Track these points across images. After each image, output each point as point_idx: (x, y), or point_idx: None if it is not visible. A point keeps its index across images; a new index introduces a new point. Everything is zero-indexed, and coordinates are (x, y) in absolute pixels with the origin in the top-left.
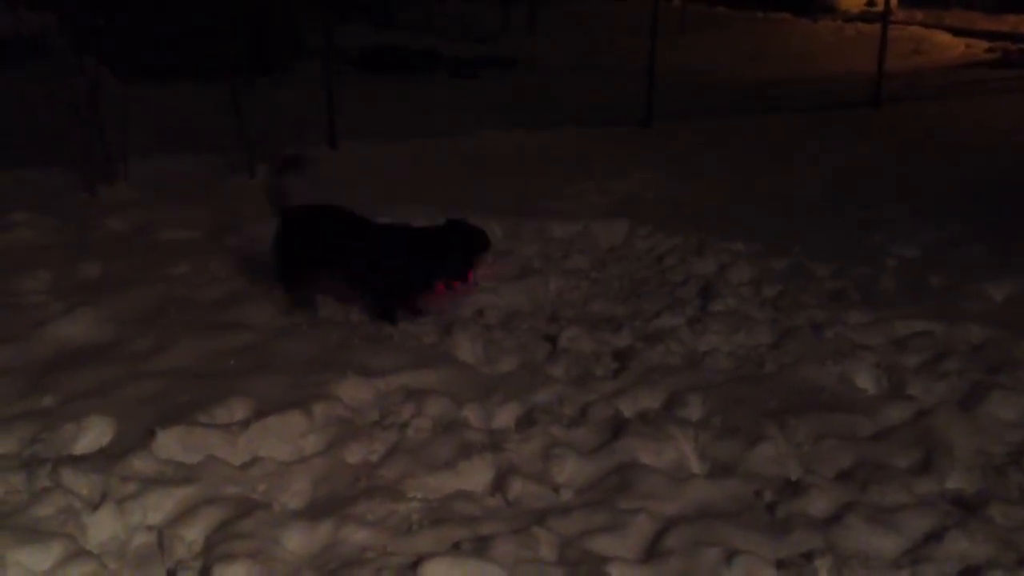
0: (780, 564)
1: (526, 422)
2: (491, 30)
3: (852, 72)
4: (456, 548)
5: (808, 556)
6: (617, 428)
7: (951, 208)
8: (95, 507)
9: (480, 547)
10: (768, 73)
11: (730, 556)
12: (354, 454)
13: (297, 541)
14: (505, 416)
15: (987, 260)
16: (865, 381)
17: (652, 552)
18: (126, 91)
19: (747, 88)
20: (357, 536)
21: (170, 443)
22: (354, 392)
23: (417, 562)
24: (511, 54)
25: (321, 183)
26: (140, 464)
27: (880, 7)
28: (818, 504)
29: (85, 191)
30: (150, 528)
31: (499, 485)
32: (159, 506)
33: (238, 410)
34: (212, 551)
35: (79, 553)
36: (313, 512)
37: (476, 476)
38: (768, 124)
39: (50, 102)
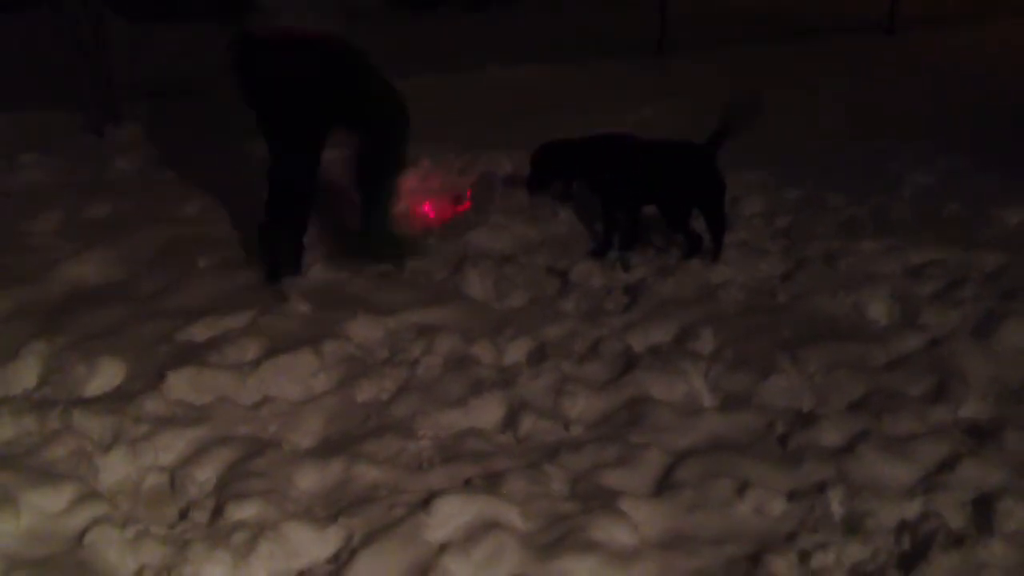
0: (792, 495)
1: (537, 358)
2: None
3: None
4: (467, 485)
5: (820, 487)
6: (628, 362)
7: (967, 137)
8: (107, 448)
9: (491, 483)
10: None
11: (742, 488)
12: (364, 392)
13: (309, 480)
14: (516, 352)
15: (1001, 188)
16: (878, 311)
17: (663, 485)
18: (132, 30)
19: (760, 12)
20: (368, 474)
21: (181, 384)
22: (364, 330)
23: (428, 499)
24: None
25: None
26: (151, 405)
27: None
28: (830, 435)
29: (92, 132)
30: (162, 469)
31: (510, 421)
32: (171, 447)
33: (248, 350)
34: (224, 491)
35: (91, 494)
36: (324, 451)
37: (487, 413)
38: (782, 52)
39: (55, 42)
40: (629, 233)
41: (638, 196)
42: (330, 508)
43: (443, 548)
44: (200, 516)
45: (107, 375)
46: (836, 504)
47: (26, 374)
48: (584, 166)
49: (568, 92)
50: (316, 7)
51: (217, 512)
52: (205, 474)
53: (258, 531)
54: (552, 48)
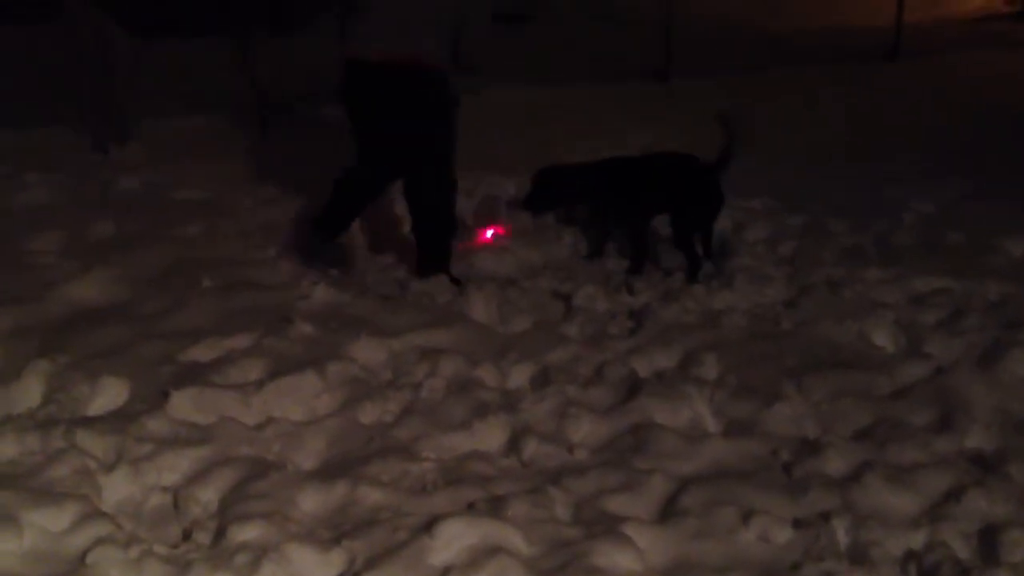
0: (797, 524)
1: (541, 382)
2: None
3: (871, 24)
4: (471, 508)
5: (825, 516)
6: (632, 387)
7: (969, 163)
8: (110, 468)
9: (495, 507)
10: (785, 24)
11: (746, 516)
12: (368, 414)
13: (312, 501)
14: (520, 376)
15: (1005, 216)
16: (883, 339)
17: (668, 512)
18: (139, 48)
19: (764, 39)
20: (371, 496)
21: (184, 404)
22: (368, 352)
23: (431, 522)
24: (528, 9)
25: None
26: (154, 425)
27: None
28: (835, 463)
29: (97, 150)
30: (165, 489)
31: (514, 445)
32: (174, 467)
33: (252, 371)
34: (227, 511)
35: (94, 514)
36: (327, 473)
37: (491, 436)
38: (785, 77)
39: (60, 59)
40: (638, 257)
41: (644, 211)
42: (333, 530)
43: (446, 572)
44: (203, 537)
45: (110, 394)
46: (841, 533)
47: (29, 393)
48: (586, 189)
49: (571, 114)
50: (409, 31)
51: (220, 533)
52: (208, 495)
53: (261, 553)
54: (555, 71)
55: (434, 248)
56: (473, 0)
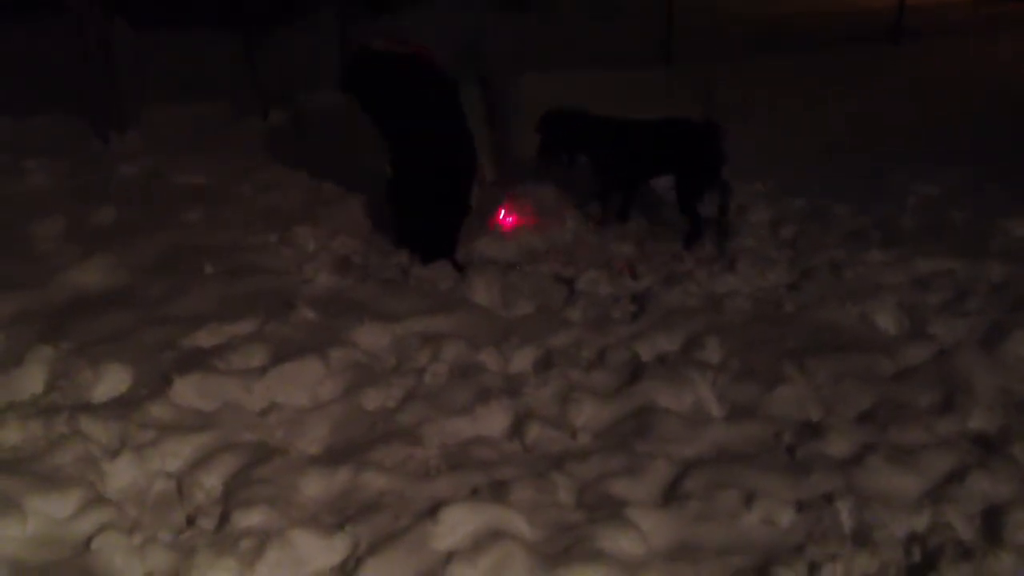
0: (800, 506)
1: (543, 366)
2: None
3: (873, 4)
4: (474, 493)
5: (828, 497)
6: (635, 371)
7: (973, 147)
8: (113, 454)
9: (498, 492)
10: (787, 7)
11: (749, 498)
12: (371, 400)
13: (315, 487)
14: (522, 360)
15: (1009, 198)
16: (885, 321)
17: (671, 495)
18: (139, 37)
19: (766, 24)
20: (375, 482)
21: (187, 390)
22: (371, 337)
23: (435, 507)
24: None
25: (332, 128)
26: (158, 411)
27: None
28: (838, 445)
29: (98, 138)
30: (169, 475)
31: (517, 430)
32: (177, 453)
33: (255, 356)
34: (231, 497)
35: (98, 500)
36: (331, 458)
37: (493, 421)
38: (787, 62)
39: (61, 48)
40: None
41: (639, 172)
42: (337, 516)
43: (450, 557)
44: (207, 523)
45: (113, 381)
46: (845, 515)
47: (32, 380)
48: (586, 140)
49: (572, 100)
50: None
51: (224, 519)
52: (211, 480)
53: (265, 538)
54: (557, 57)
55: (444, 233)
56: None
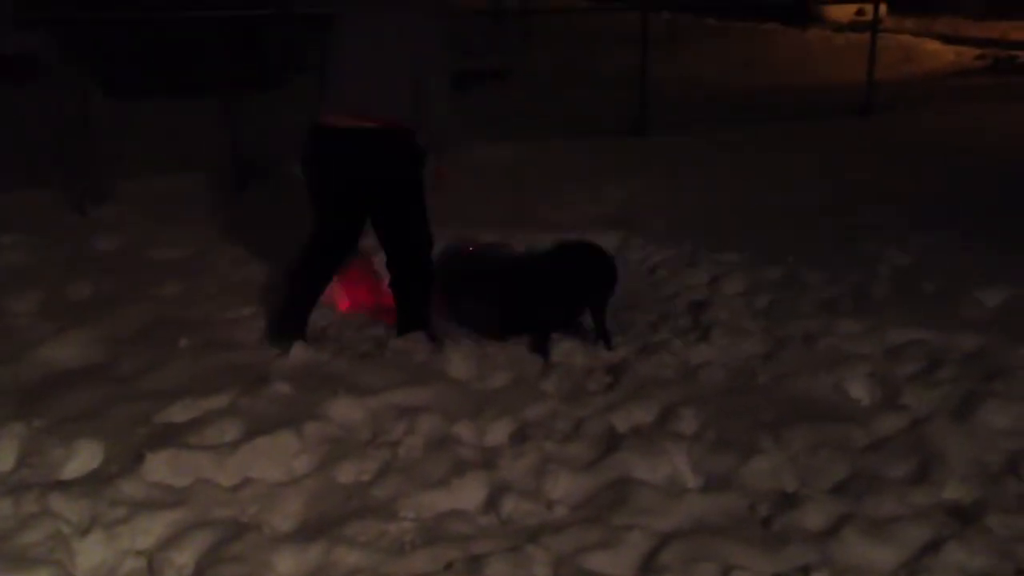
0: None
1: (519, 438)
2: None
3: (843, 81)
4: (449, 568)
5: (804, 570)
6: (611, 443)
7: (944, 215)
8: (84, 532)
9: (473, 566)
10: (758, 82)
11: (726, 571)
12: (346, 474)
13: (288, 564)
14: (498, 432)
15: (981, 266)
16: (859, 391)
17: (647, 568)
18: (117, 108)
19: (738, 98)
20: (349, 558)
21: (159, 466)
22: (345, 411)
23: None
24: (504, 66)
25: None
26: (129, 488)
27: (869, 17)
28: (813, 517)
29: (75, 211)
30: (139, 553)
31: (492, 502)
32: (149, 530)
33: (228, 431)
34: (202, 575)
35: None
36: (304, 534)
37: (469, 494)
38: (759, 133)
39: (40, 120)
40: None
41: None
42: None
43: None
44: None
45: (85, 457)
46: None
47: (2, 457)
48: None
49: (552, 169)
50: (376, 94)
51: None
52: (183, 558)
53: None
54: (537, 127)
55: (415, 304)
56: (435, 59)
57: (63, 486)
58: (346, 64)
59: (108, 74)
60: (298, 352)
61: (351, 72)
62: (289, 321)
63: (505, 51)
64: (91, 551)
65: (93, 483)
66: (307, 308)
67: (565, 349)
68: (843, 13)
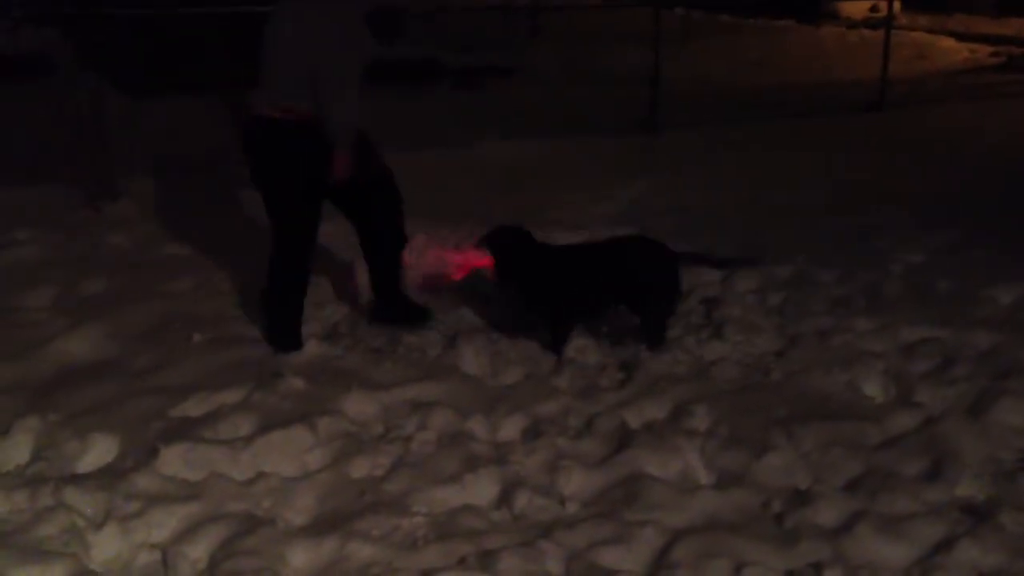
0: (789, 575)
1: (532, 434)
2: (493, 39)
3: (856, 78)
4: (462, 563)
5: (817, 567)
6: (623, 439)
7: (957, 213)
8: (99, 526)
9: (486, 561)
10: (771, 80)
11: (738, 568)
12: (359, 469)
13: (302, 558)
14: (511, 428)
15: (994, 265)
16: (873, 388)
17: (660, 564)
18: (130, 106)
19: (750, 95)
20: (362, 552)
21: (174, 460)
22: (358, 406)
23: None
24: (513, 64)
25: None
26: (144, 482)
27: (883, 13)
28: (827, 514)
29: (88, 208)
30: (154, 546)
31: (505, 498)
32: (163, 524)
33: (242, 426)
34: (216, 569)
35: (83, 573)
36: (318, 528)
37: (482, 489)
38: (772, 130)
39: (53, 118)
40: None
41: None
42: None
43: None
44: None
45: (100, 451)
46: None
47: (18, 450)
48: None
49: (559, 167)
50: (280, 85)
51: None
52: (197, 552)
53: None
54: (544, 124)
55: (386, 278)
56: (330, 52)
57: (78, 480)
58: (265, 55)
59: (118, 71)
60: (311, 347)
61: (267, 63)
62: (285, 335)
63: (512, 47)
64: (106, 544)
65: (108, 477)
66: (296, 314)
67: (578, 345)
68: (857, 10)
